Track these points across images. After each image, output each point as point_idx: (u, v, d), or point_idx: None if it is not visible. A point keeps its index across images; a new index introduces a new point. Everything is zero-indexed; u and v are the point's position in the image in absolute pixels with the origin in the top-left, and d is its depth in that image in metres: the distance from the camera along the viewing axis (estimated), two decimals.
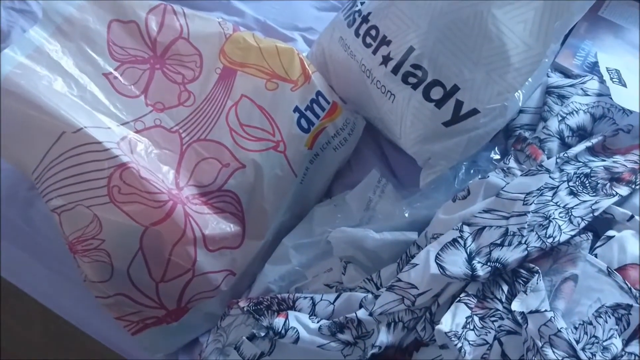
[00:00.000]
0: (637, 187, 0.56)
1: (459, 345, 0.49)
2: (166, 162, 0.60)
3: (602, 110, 0.64)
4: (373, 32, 0.65)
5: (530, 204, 0.55)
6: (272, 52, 0.65)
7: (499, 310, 0.52)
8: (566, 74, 0.74)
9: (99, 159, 0.55)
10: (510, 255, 0.53)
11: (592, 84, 0.67)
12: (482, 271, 0.53)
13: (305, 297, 0.59)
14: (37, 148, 0.56)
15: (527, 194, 0.56)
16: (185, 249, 0.58)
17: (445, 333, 0.50)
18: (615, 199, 0.55)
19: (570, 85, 0.68)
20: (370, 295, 0.56)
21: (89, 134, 0.54)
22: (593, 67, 0.76)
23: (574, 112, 0.64)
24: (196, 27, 0.63)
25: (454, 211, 0.58)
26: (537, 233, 0.54)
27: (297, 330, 0.54)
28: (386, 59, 0.64)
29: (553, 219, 0.54)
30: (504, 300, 0.53)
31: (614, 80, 0.68)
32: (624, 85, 0.67)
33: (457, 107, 0.60)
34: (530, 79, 0.62)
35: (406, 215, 0.61)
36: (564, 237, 0.53)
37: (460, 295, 0.53)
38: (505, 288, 0.53)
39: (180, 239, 0.58)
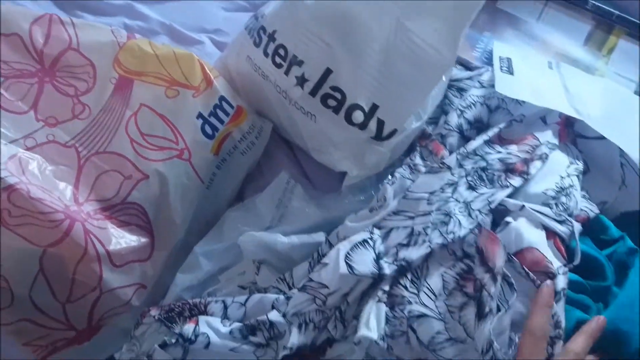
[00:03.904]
0: (529, 177, 0.58)
1: (385, 345, 0.51)
2: (63, 178, 0.58)
3: (497, 101, 0.67)
4: (282, 52, 0.62)
5: (434, 203, 0.57)
6: (171, 59, 0.63)
7: (405, 297, 0.53)
8: (466, 66, 0.77)
9: None
10: (415, 253, 0.54)
11: (487, 76, 0.70)
12: (388, 269, 0.54)
13: (217, 301, 0.58)
14: None
15: (431, 193, 0.57)
16: (90, 267, 0.56)
17: (375, 341, 0.51)
18: (509, 190, 0.57)
19: (468, 78, 0.70)
20: (282, 297, 0.57)
21: None
22: (492, 57, 0.79)
23: (472, 105, 0.66)
24: (87, 37, 0.61)
25: (367, 218, 0.59)
26: (439, 230, 0.55)
27: (207, 335, 0.54)
28: (301, 80, 0.61)
29: (454, 214, 0.56)
30: (408, 286, 0.54)
31: (503, 69, 0.70)
32: (512, 73, 0.69)
33: (379, 127, 0.61)
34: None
35: (316, 215, 0.61)
36: (463, 232, 0.55)
37: (379, 295, 0.53)
38: (409, 275, 0.55)
39: (83, 257, 0.56)
